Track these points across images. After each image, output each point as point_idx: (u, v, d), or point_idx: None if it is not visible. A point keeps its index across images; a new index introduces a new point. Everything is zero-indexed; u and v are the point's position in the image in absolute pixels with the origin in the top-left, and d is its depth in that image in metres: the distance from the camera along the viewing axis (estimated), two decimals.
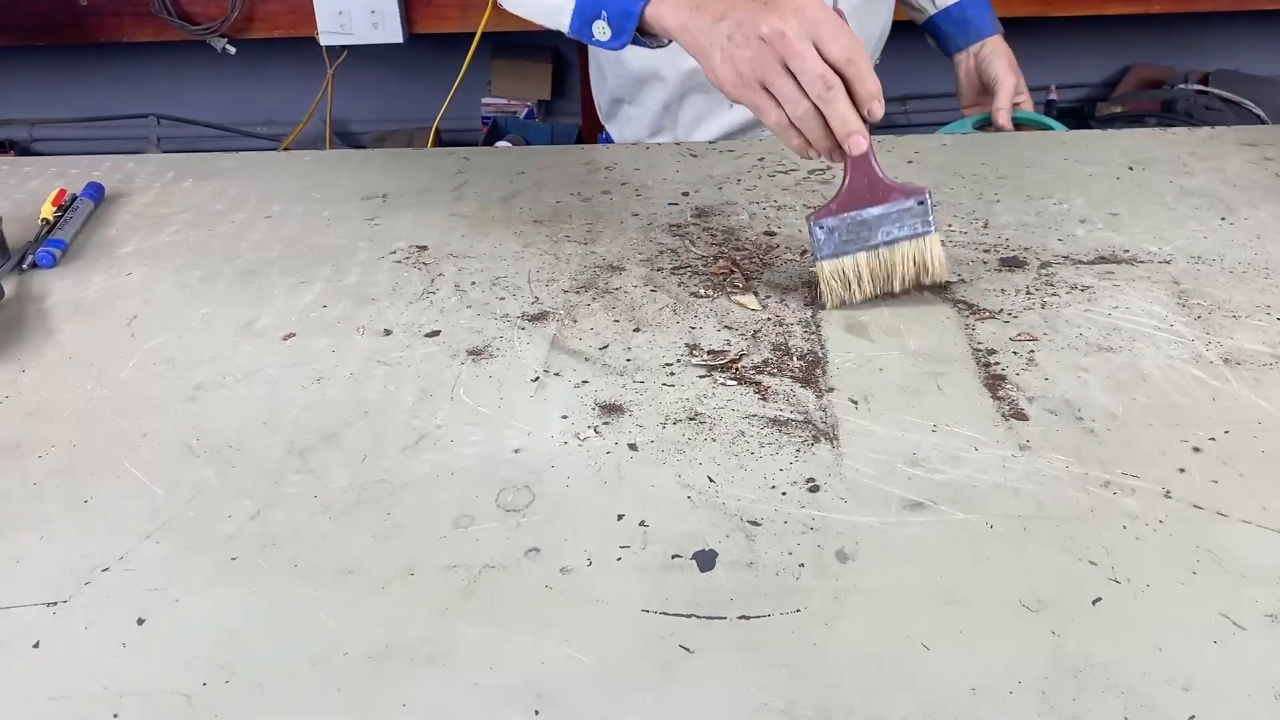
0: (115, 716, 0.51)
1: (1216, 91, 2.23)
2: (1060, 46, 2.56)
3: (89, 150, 1.74)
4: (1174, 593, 0.56)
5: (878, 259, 0.81)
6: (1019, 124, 1.25)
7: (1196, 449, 0.66)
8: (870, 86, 0.75)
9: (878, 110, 0.76)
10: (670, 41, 0.84)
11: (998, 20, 1.31)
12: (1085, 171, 1.07)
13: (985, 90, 1.30)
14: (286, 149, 2.44)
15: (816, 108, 0.75)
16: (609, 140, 1.38)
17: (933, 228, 0.80)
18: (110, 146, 2.60)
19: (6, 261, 0.94)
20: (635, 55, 1.23)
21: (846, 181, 0.80)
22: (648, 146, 1.17)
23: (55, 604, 0.57)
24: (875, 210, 0.80)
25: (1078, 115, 2.52)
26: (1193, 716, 0.49)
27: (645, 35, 0.84)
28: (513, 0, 0.95)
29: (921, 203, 0.80)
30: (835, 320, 0.81)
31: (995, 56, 1.26)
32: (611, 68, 1.30)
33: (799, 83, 0.74)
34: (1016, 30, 2.49)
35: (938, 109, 2.55)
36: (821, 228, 0.81)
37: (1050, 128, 1.22)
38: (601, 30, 0.84)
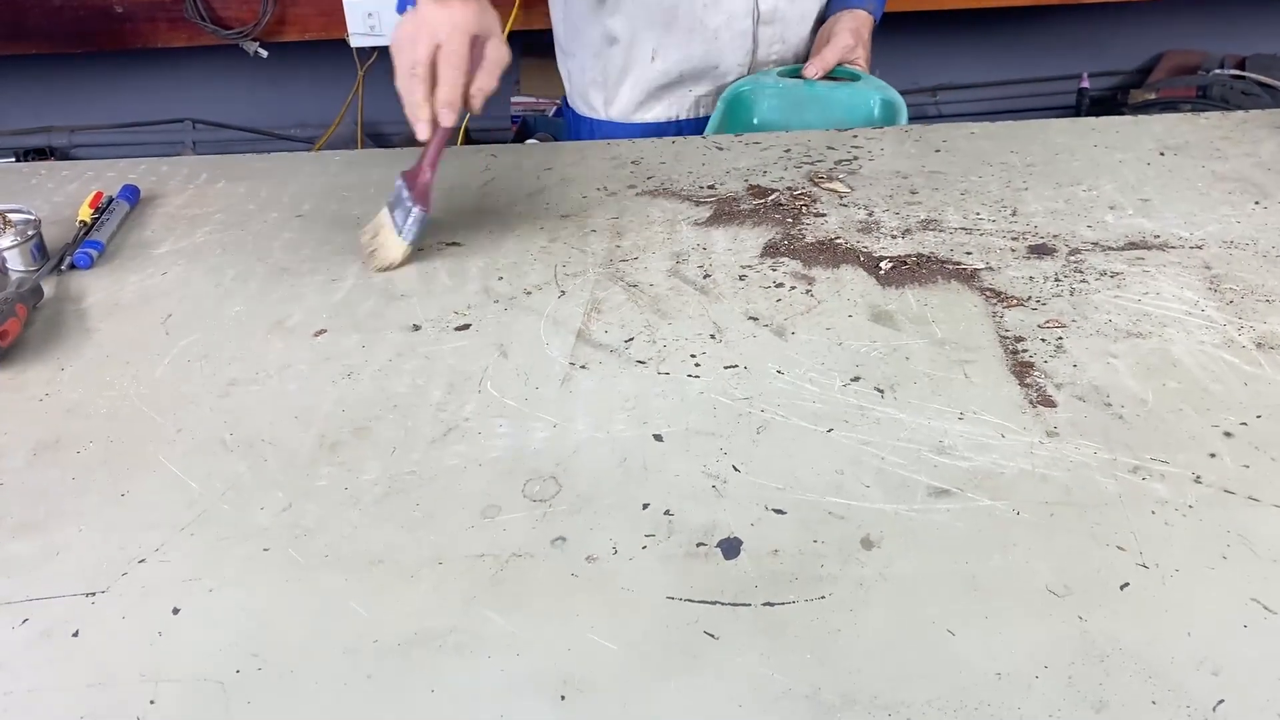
0: (152, 703, 0.52)
1: (1253, 76, 2.20)
2: (1092, 34, 2.53)
3: (126, 154, 1.76)
4: (1203, 577, 0.55)
5: (374, 226, 0.94)
6: (832, 75, 1.26)
7: (1228, 434, 0.66)
8: (443, 94, 0.88)
9: (445, 118, 0.89)
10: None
11: (878, 4, 1.34)
12: (1115, 158, 1.06)
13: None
14: (319, 150, 2.47)
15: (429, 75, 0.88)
16: (568, 108, 1.43)
17: (404, 238, 0.92)
18: (147, 151, 2.64)
19: (46, 263, 0.96)
20: (575, 6, 1.29)
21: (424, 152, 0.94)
22: (673, 141, 1.18)
23: (94, 594, 0.59)
24: (401, 187, 0.95)
25: (1110, 104, 2.49)
26: (1221, 700, 0.49)
27: None
28: None
29: (424, 210, 0.93)
30: (862, 310, 0.81)
31: (846, 20, 1.29)
32: (560, 10, 1.36)
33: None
34: (1046, 18, 2.48)
35: (966, 99, 2.54)
36: (398, 183, 0.95)
37: (856, 77, 1.24)
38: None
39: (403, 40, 0.88)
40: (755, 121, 1.28)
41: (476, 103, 0.91)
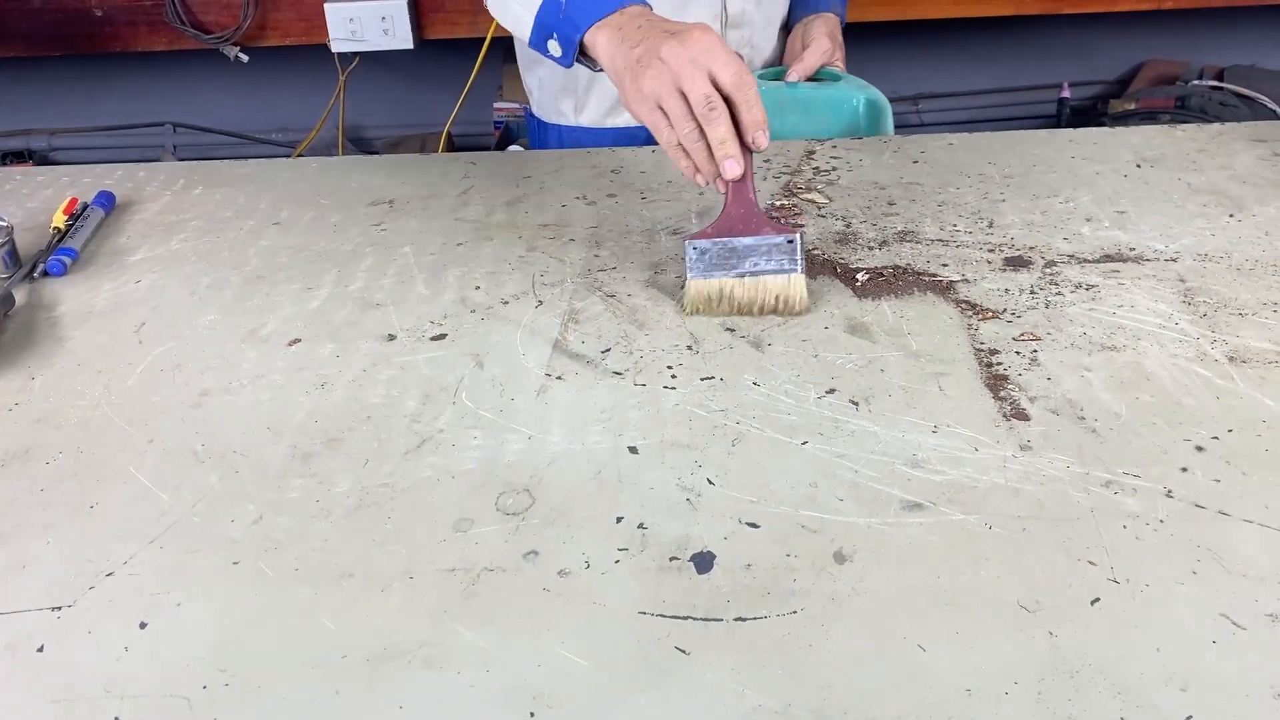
0: (116, 719, 0.51)
1: (1231, 87, 2.22)
2: (1073, 43, 2.54)
3: (106, 159, 1.76)
4: (1173, 592, 0.56)
5: (742, 286, 0.83)
6: (814, 77, 1.26)
7: (1199, 448, 0.66)
8: (756, 115, 0.79)
9: (762, 140, 0.80)
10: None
11: (842, 7, 1.35)
12: (1093, 169, 1.06)
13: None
14: (300, 155, 2.46)
15: (702, 130, 0.79)
16: (531, 118, 1.42)
17: (799, 268, 0.83)
18: (127, 155, 2.62)
19: (18, 270, 0.95)
20: None
21: (725, 207, 0.83)
22: (653, 150, 1.18)
23: (60, 608, 0.58)
24: (746, 240, 0.83)
25: (1091, 113, 2.51)
26: (1190, 716, 0.49)
27: (584, 58, 0.92)
28: (493, 5, 1.02)
29: (791, 242, 0.83)
30: (839, 322, 0.81)
31: (819, 24, 1.29)
32: None
33: (689, 105, 0.79)
34: (1027, 28, 2.49)
35: (948, 108, 2.55)
36: (695, 249, 0.84)
37: (837, 77, 1.24)
38: (554, 48, 0.92)
39: (659, 88, 0.80)
40: None
41: (763, 139, 0.80)
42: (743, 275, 0.83)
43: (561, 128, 1.36)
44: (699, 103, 0.78)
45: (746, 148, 0.80)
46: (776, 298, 0.83)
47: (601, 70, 0.90)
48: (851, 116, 1.23)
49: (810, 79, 1.23)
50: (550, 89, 1.36)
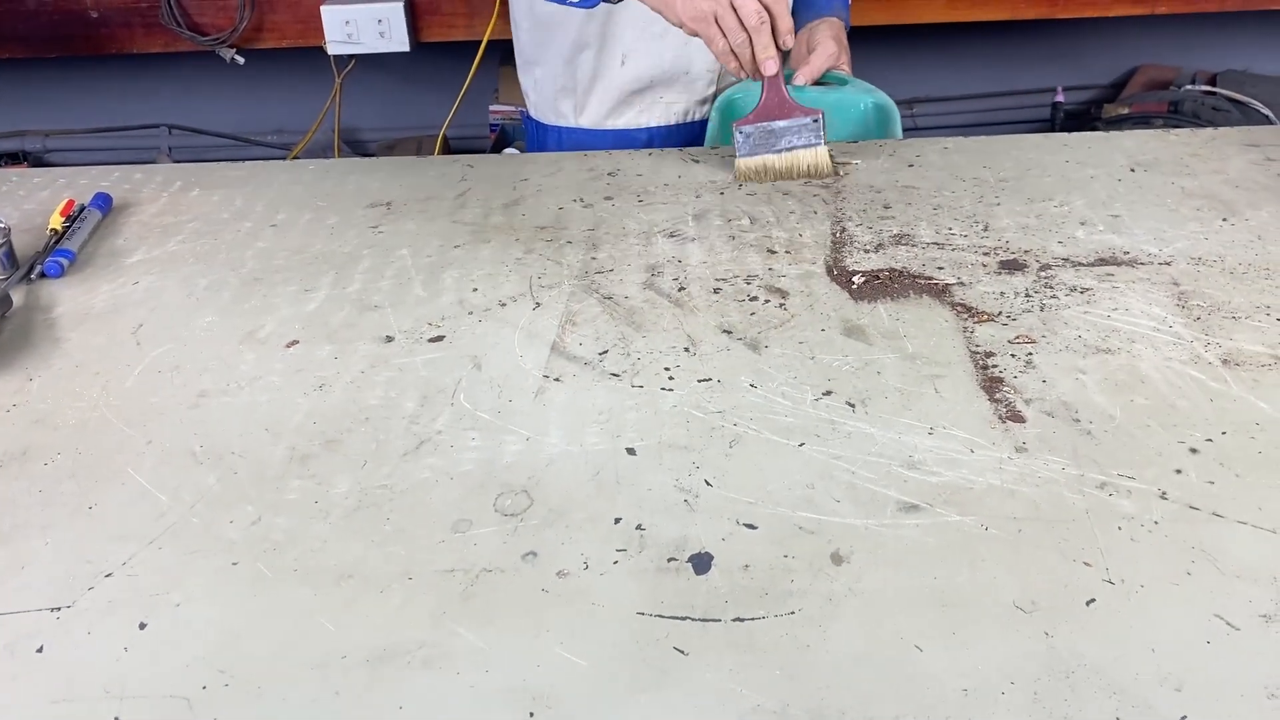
0: (116, 719, 0.52)
1: (1223, 92, 2.23)
2: (1066, 48, 2.55)
3: (102, 160, 1.75)
4: (1168, 593, 0.56)
5: (780, 160, 1.08)
6: (821, 81, 1.28)
7: (1194, 450, 0.66)
8: (786, 23, 1.03)
9: (789, 41, 1.04)
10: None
11: (846, 11, 1.35)
12: (1087, 173, 1.07)
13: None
14: (295, 158, 2.46)
15: (749, 37, 1.02)
16: (529, 120, 1.43)
17: (822, 141, 1.08)
18: (123, 157, 2.62)
19: (15, 272, 0.95)
20: (546, 8, 1.29)
21: (762, 98, 1.07)
22: (650, 153, 1.18)
23: (59, 609, 0.58)
24: (781, 123, 1.07)
25: (1084, 117, 2.52)
26: (1184, 717, 0.49)
27: None
28: None
29: (816, 121, 1.07)
30: (835, 325, 0.82)
31: (825, 28, 1.30)
32: (526, 19, 1.35)
33: (739, 17, 1.01)
34: (1021, 33, 2.50)
35: (943, 112, 2.56)
36: (741, 133, 1.08)
37: (845, 81, 1.25)
38: None
39: (714, 5, 1.01)
40: None
41: (791, 40, 1.04)
42: (779, 151, 1.07)
43: (561, 129, 1.37)
44: (750, 16, 1.00)
45: (778, 48, 1.03)
46: (808, 166, 1.07)
47: (619, 1, 1.08)
48: (859, 120, 1.23)
49: (817, 83, 1.24)
50: (548, 90, 1.36)
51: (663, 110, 1.34)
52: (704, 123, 1.33)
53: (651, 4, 1.07)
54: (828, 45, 1.26)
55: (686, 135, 1.34)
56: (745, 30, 1.01)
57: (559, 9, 1.27)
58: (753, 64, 1.04)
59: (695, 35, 1.04)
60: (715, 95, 1.33)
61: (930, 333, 0.80)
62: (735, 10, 1.00)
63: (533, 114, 1.42)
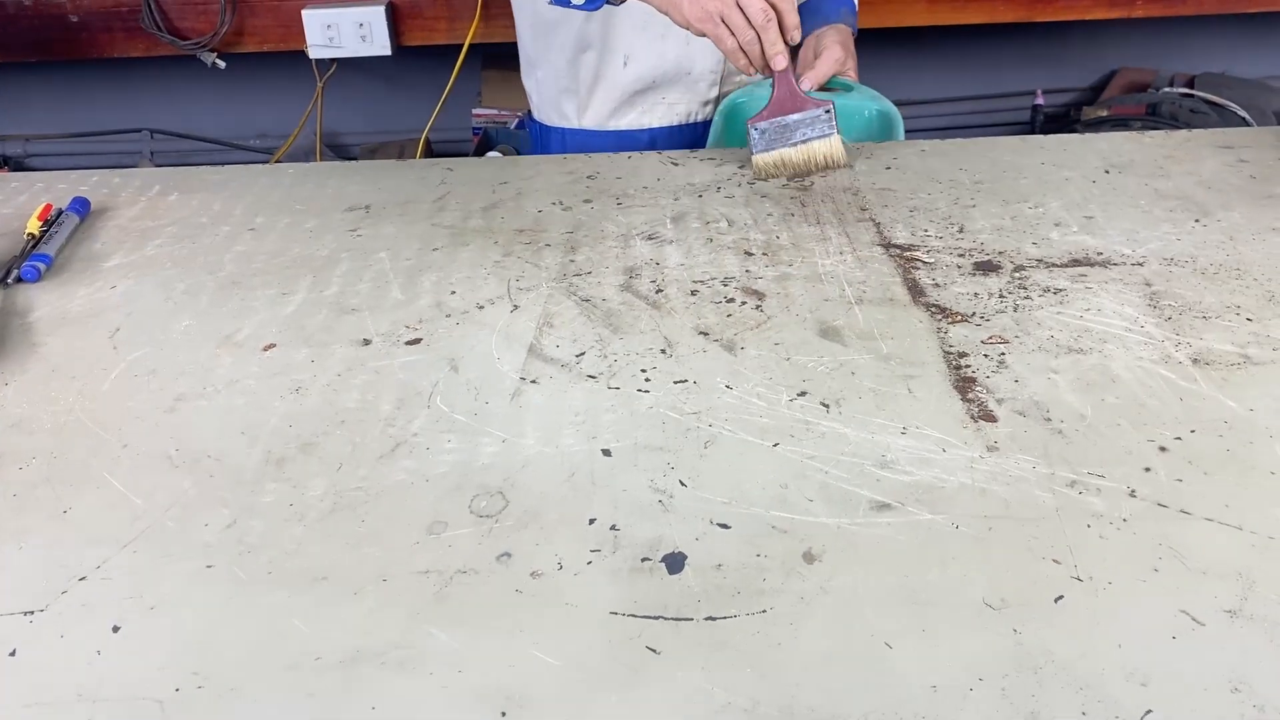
0: None
1: (1201, 94, 2.25)
2: (1046, 51, 2.57)
3: (84, 165, 1.75)
4: (1135, 590, 0.57)
5: (796, 153, 1.09)
6: (826, 87, 1.28)
7: (1163, 448, 0.67)
8: (792, 19, 1.03)
9: (796, 36, 1.04)
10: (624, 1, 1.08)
11: (852, 16, 1.35)
12: (1062, 175, 1.08)
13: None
14: (278, 162, 2.45)
15: (757, 35, 1.02)
16: (532, 121, 1.42)
17: (834, 131, 1.08)
18: (105, 161, 2.61)
19: None
20: (549, 9, 1.28)
21: (774, 94, 1.08)
22: (629, 156, 1.18)
23: (32, 613, 0.58)
24: (794, 117, 1.08)
25: (1063, 120, 2.54)
26: (1149, 711, 0.50)
27: None
28: None
29: (828, 112, 1.08)
30: (810, 325, 0.82)
31: (832, 34, 1.30)
32: (530, 19, 1.35)
33: (746, 16, 1.01)
34: (1002, 36, 2.52)
35: (923, 115, 2.57)
36: (756, 129, 1.09)
37: (849, 88, 1.25)
38: None
39: (721, 5, 1.01)
40: None
41: (798, 35, 1.05)
42: (795, 144, 1.08)
43: (564, 130, 1.37)
44: (757, 14, 1.01)
45: (786, 43, 1.04)
46: (824, 157, 1.09)
47: (621, 2, 1.08)
48: (863, 126, 1.24)
49: (822, 88, 1.24)
50: (551, 91, 1.36)
51: (665, 111, 1.34)
52: (706, 124, 1.34)
53: (657, 5, 1.07)
54: (834, 51, 1.26)
55: (689, 136, 1.35)
56: (753, 28, 1.02)
57: (561, 10, 1.27)
58: (762, 60, 1.04)
59: (703, 35, 1.04)
60: (719, 98, 1.34)
61: (904, 334, 0.81)
62: (741, 9, 1.01)
63: (535, 115, 1.42)
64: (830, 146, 1.09)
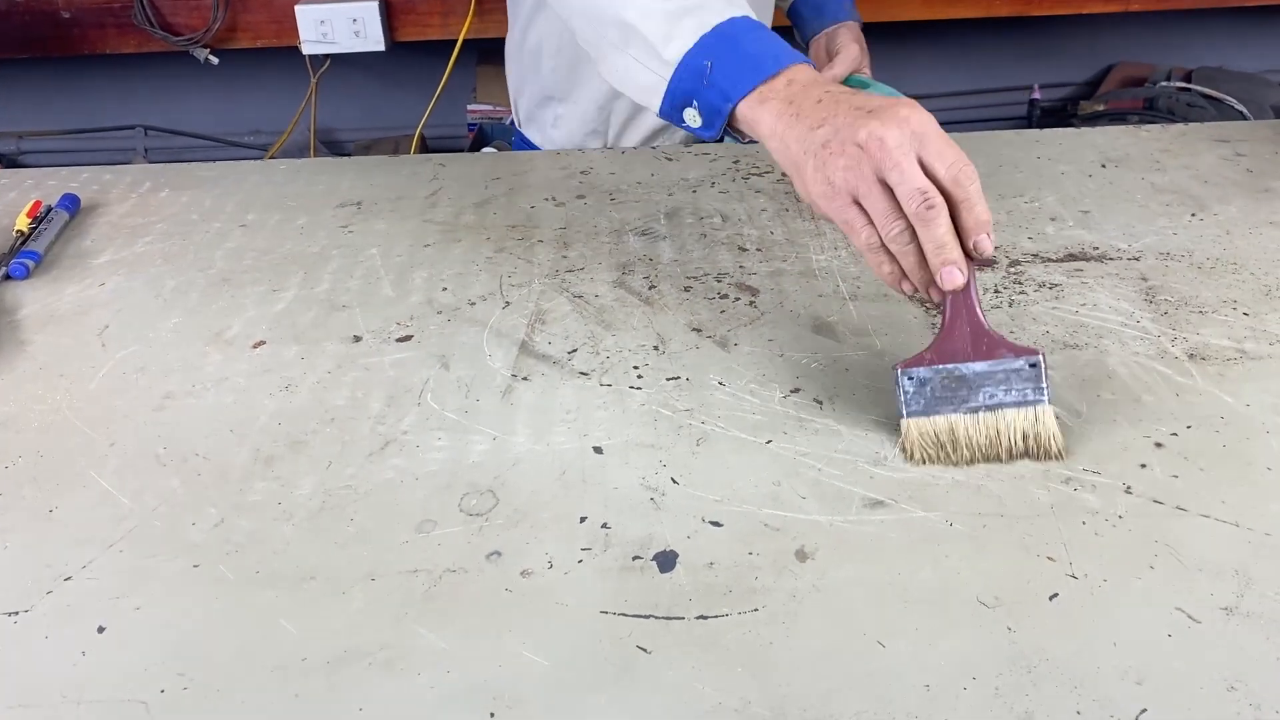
0: None
1: (1198, 88, 2.24)
2: (1042, 46, 2.56)
3: (77, 162, 1.74)
4: (1130, 587, 0.56)
5: (977, 424, 0.67)
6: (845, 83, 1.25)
7: (1159, 444, 0.67)
8: (980, 214, 0.65)
9: (986, 245, 0.65)
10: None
11: (856, 11, 1.34)
12: (1058, 169, 1.07)
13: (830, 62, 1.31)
14: (272, 158, 2.44)
15: (912, 229, 0.65)
16: (526, 144, 1.37)
17: (1045, 397, 0.67)
18: (98, 158, 2.60)
19: None
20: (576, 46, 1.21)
21: (944, 326, 0.68)
22: (623, 151, 1.18)
23: (16, 613, 0.58)
24: (977, 366, 0.67)
25: (1060, 114, 2.53)
26: (1144, 710, 0.49)
27: (732, 130, 0.76)
28: (612, 73, 0.81)
29: (1034, 365, 0.67)
30: (804, 321, 0.82)
31: (844, 32, 1.28)
32: (554, 57, 1.26)
33: (895, 198, 0.65)
34: (998, 30, 2.51)
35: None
36: (911, 379, 0.68)
37: (866, 85, 1.22)
38: (693, 117, 0.75)
39: (857, 180, 0.66)
40: None
41: (987, 245, 0.66)
42: (976, 410, 0.67)
43: None
44: (912, 198, 0.64)
45: (967, 253, 0.66)
46: (1025, 437, 0.66)
47: (750, 140, 0.79)
48: None
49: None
50: (575, 130, 1.29)
51: (686, 138, 1.32)
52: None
53: (777, 159, 0.72)
54: (850, 49, 1.24)
55: None
56: (903, 218, 0.65)
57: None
58: (922, 273, 0.67)
59: (828, 220, 0.70)
60: None
61: (899, 329, 0.80)
62: (889, 189, 0.65)
63: (548, 149, 1.35)
64: (1035, 421, 0.66)
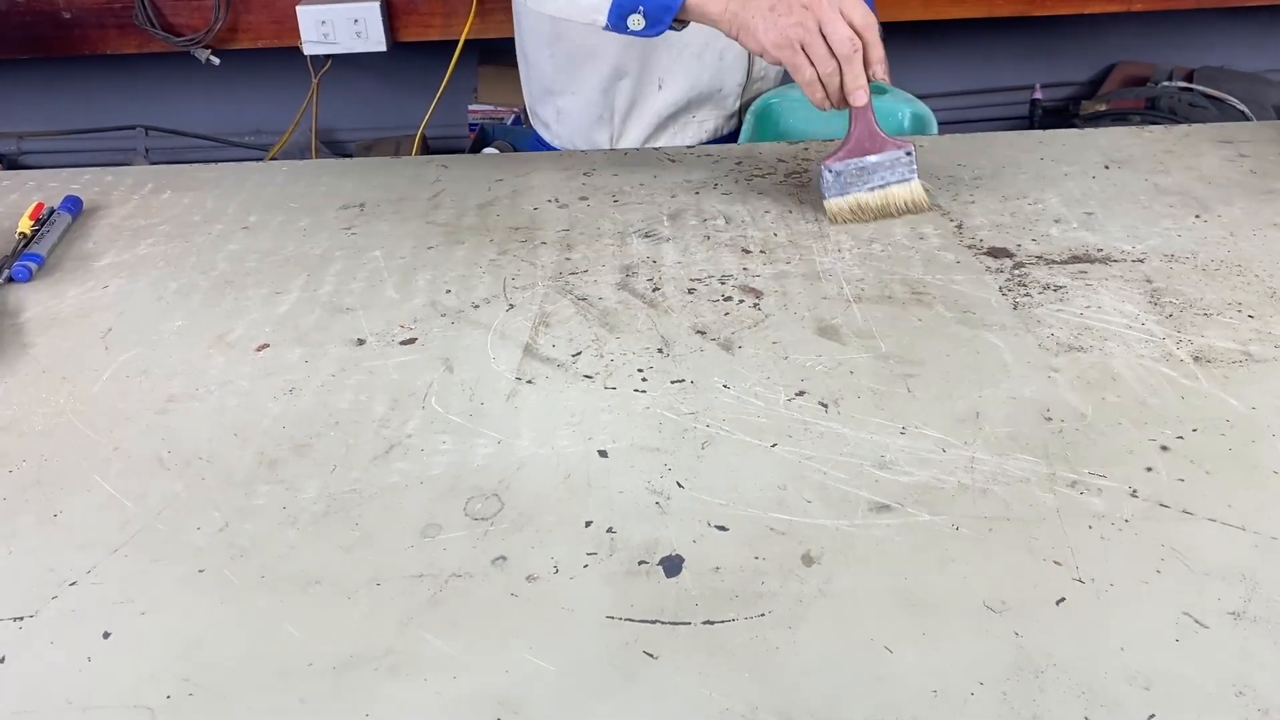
0: None
1: (1200, 88, 2.24)
2: (1044, 45, 2.56)
3: (77, 163, 1.74)
4: (1137, 592, 0.56)
5: (873, 197, 0.98)
6: None
7: (1164, 448, 0.66)
8: (878, 52, 0.94)
9: (881, 73, 0.94)
10: (687, 25, 1.00)
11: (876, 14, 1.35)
12: (1061, 171, 1.07)
13: None
14: (273, 158, 2.44)
15: (839, 66, 0.92)
16: (539, 142, 1.38)
17: (915, 176, 0.99)
18: (99, 159, 2.60)
19: None
20: (575, 32, 1.24)
21: (851, 133, 0.97)
22: (626, 153, 1.18)
23: (22, 619, 0.57)
24: (872, 159, 0.97)
25: (1062, 114, 2.53)
26: (1153, 715, 0.49)
27: (676, 21, 0.98)
28: (554, 2, 1.03)
29: (909, 154, 0.98)
30: (809, 324, 0.81)
31: None
32: (550, 47, 1.29)
33: (829, 45, 0.92)
34: (999, 30, 2.51)
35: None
36: (830, 171, 0.97)
37: (883, 90, 1.23)
38: (636, 22, 0.97)
39: (803, 32, 0.92)
40: (783, 133, 1.28)
41: (882, 71, 0.95)
42: (873, 189, 0.98)
43: None
44: (843, 43, 0.91)
45: (869, 79, 0.94)
46: (904, 203, 0.98)
47: (683, 27, 0.99)
48: (897, 129, 1.23)
49: None
50: (581, 120, 1.31)
51: (695, 129, 1.32)
52: (731, 135, 1.33)
53: (725, 29, 0.97)
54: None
55: None
56: (835, 59, 0.92)
57: (598, 39, 1.22)
58: (840, 95, 0.94)
59: (778, 64, 0.95)
60: (742, 108, 1.33)
61: (904, 332, 0.80)
62: (825, 37, 0.91)
63: (555, 144, 1.37)
64: (911, 191, 0.98)
